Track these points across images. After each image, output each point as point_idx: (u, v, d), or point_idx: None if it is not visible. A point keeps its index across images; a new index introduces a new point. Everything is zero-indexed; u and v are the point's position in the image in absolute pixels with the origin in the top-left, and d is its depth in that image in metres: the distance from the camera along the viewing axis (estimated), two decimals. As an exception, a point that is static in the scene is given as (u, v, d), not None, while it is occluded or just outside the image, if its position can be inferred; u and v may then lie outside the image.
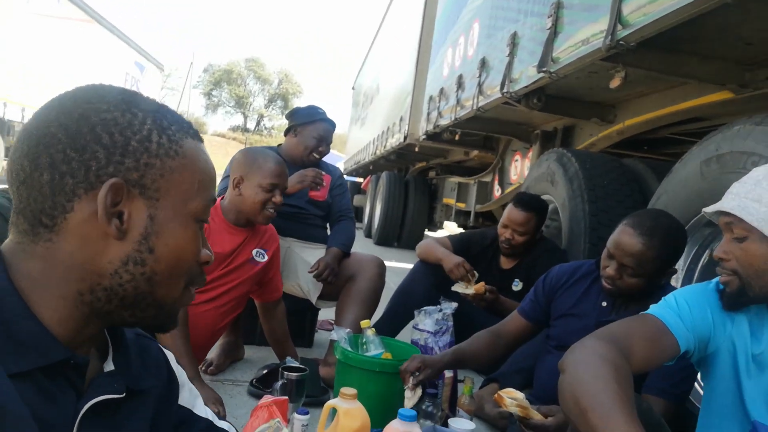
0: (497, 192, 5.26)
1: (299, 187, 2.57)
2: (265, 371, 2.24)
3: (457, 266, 2.50)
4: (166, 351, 0.78)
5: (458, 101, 4.36)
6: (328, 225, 2.89)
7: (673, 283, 1.95)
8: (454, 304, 2.08)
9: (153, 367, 0.74)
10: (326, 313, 3.21)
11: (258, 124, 53.51)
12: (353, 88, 15.43)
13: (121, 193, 0.61)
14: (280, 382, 1.89)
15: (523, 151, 4.63)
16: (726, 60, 2.26)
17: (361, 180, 12.91)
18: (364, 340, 2.02)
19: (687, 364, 1.21)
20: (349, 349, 1.97)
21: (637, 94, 2.99)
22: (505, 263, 2.66)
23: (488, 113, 3.98)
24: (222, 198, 2.22)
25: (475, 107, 3.87)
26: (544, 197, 3.16)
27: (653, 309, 1.17)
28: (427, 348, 2.01)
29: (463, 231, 2.97)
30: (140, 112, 0.63)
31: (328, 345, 2.47)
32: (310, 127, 2.77)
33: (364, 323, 2.07)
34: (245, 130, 51.35)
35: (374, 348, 1.98)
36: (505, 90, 3.26)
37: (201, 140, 0.69)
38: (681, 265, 2.02)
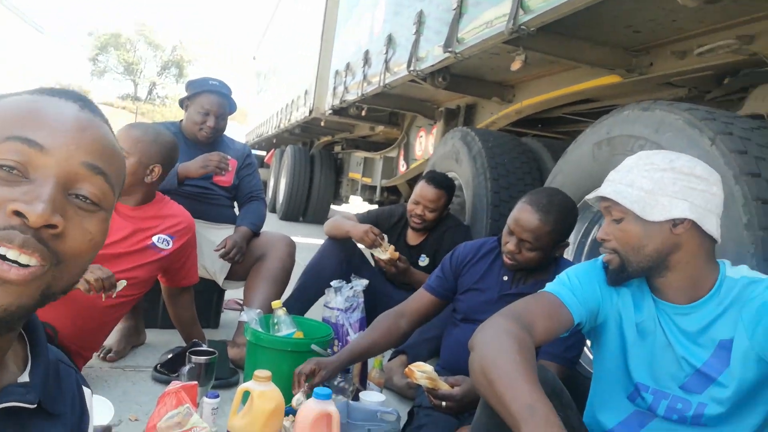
0: (402, 167, 5.35)
1: (203, 172, 2.45)
2: (170, 356, 2.16)
3: (365, 233, 2.53)
4: (84, 388, 0.74)
5: (365, 77, 4.36)
6: (236, 204, 2.81)
7: (566, 256, 2.10)
8: (365, 281, 2.11)
9: (68, 396, 0.69)
10: (232, 293, 3.14)
11: (150, 92, 50.40)
12: (255, 58, 14.93)
13: None
14: (187, 367, 1.83)
15: (427, 127, 4.73)
16: (616, 46, 2.42)
17: (264, 153, 12.59)
18: (275, 320, 2.00)
19: (576, 332, 1.32)
20: (260, 330, 1.94)
21: (535, 75, 3.13)
22: (412, 239, 2.72)
23: (394, 90, 4.01)
24: None
25: (382, 83, 3.88)
26: (450, 174, 3.26)
27: (549, 287, 1.26)
28: (338, 325, 2.03)
29: (370, 209, 3.00)
30: None
31: (237, 326, 2.43)
32: (197, 100, 2.63)
33: (275, 304, 2.05)
34: (136, 98, 48.23)
35: (286, 328, 1.97)
36: (411, 68, 3.30)
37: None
38: (573, 239, 2.17)
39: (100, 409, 1.51)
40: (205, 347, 1.99)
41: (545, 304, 1.20)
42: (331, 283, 2.11)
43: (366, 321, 2.09)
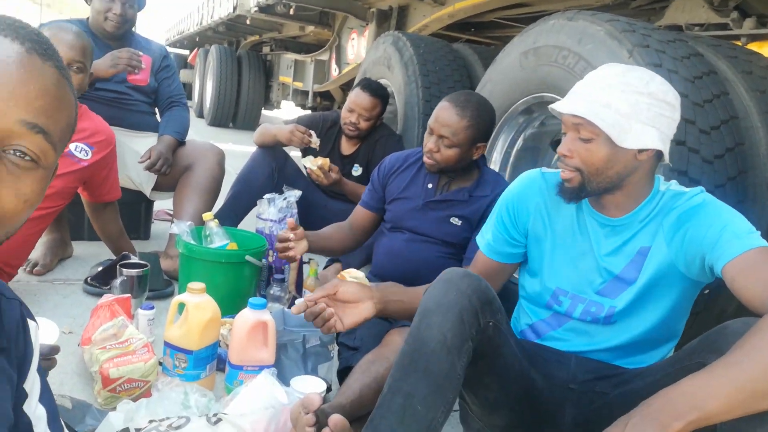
0: (335, 72, 5.21)
1: (113, 72, 2.26)
2: (100, 268, 2.14)
3: (291, 132, 2.50)
4: (29, 321, 0.72)
5: (293, -29, 4.11)
6: (157, 111, 2.68)
7: (492, 166, 2.18)
8: (298, 192, 2.12)
9: (11, 330, 0.67)
10: (161, 203, 3.08)
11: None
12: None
13: None
14: (119, 280, 1.84)
15: (359, 29, 4.58)
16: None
17: (187, 53, 11.85)
18: (207, 232, 2.00)
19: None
20: (192, 242, 1.95)
21: (469, -23, 3.06)
22: (346, 149, 2.72)
23: (322, -14, 3.83)
24: None
25: (310, -20, 3.69)
26: (382, 81, 3.22)
27: (479, 242, 1.38)
28: (272, 237, 2.05)
29: (301, 114, 2.95)
30: None
31: (169, 238, 2.41)
32: None
33: (206, 216, 2.04)
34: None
35: (219, 239, 1.98)
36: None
37: None
38: (499, 149, 2.24)
39: (44, 329, 1.50)
40: (136, 260, 1.99)
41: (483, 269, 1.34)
42: (264, 196, 2.11)
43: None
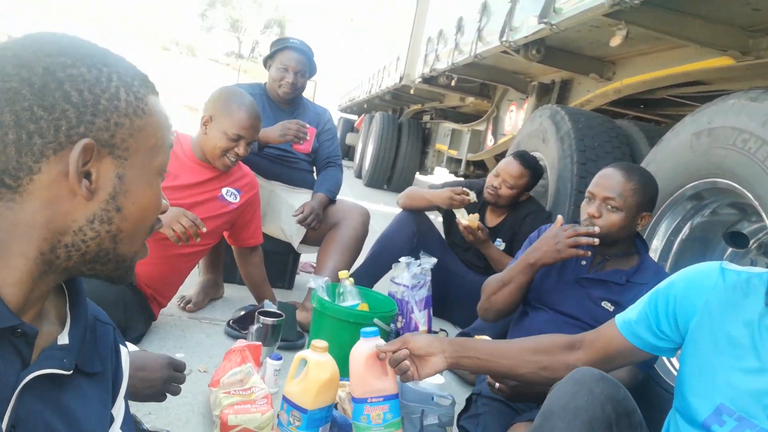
0: (490, 142, 5.21)
1: (281, 141, 2.50)
2: (242, 312, 2.26)
3: (451, 198, 2.45)
4: (121, 347, 0.77)
5: (457, 45, 4.23)
6: (315, 169, 2.85)
7: (651, 254, 1.96)
8: (434, 260, 2.08)
9: (105, 354, 0.72)
10: (308, 256, 3.22)
11: (253, 50, 51.99)
12: (352, 20, 14.94)
13: (91, 152, 0.59)
14: (255, 327, 1.91)
15: (519, 101, 4.55)
16: (730, 25, 2.18)
17: (355, 118, 12.70)
18: (341, 290, 2.03)
19: None
20: (326, 298, 1.98)
21: (638, 52, 2.91)
22: (490, 220, 2.65)
23: (486, 60, 3.87)
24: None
25: (473, 53, 3.75)
26: (534, 155, 3.12)
27: (618, 317, 1.19)
28: (403, 301, 2.03)
29: (447, 180, 2.93)
30: (105, 67, 0.60)
31: (307, 290, 2.48)
32: (277, 57, 2.66)
33: (342, 274, 2.08)
34: (239, 56, 49.96)
35: (351, 298, 2.00)
36: (504, 38, 3.16)
37: (158, 93, 0.68)
38: (660, 235, 2.02)
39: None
40: (275, 309, 2.07)
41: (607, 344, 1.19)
42: (400, 259, 2.10)
43: (432, 300, 2.07)
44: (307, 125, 2.54)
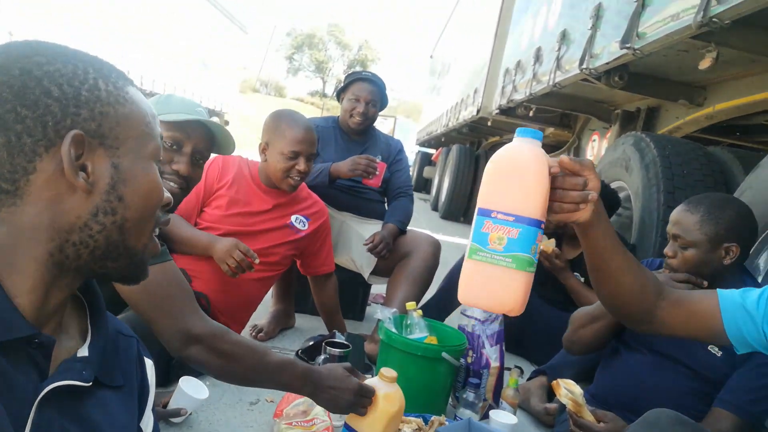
0: (570, 173, 5.03)
1: (351, 175, 2.52)
2: (311, 343, 2.25)
3: None
4: (146, 359, 0.76)
5: (534, 75, 4.16)
6: (386, 200, 2.85)
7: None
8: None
9: (128, 368, 0.71)
10: (379, 288, 3.20)
11: (335, 91, 53.99)
12: (431, 57, 15.15)
13: (82, 145, 0.59)
14: (322, 357, 1.89)
15: (601, 131, 4.39)
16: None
17: (432, 151, 12.75)
18: (409, 321, 1.98)
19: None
20: (394, 330, 1.93)
21: (731, 76, 2.72)
22: (568, 253, 2.51)
23: (566, 89, 3.77)
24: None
25: (551, 82, 3.67)
26: (617, 184, 2.97)
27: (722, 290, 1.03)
28: (473, 336, 1.94)
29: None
30: (79, 63, 0.61)
31: (376, 322, 2.45)
32: (349, 88, 2.71)
33: (410, 305, 2.02)
34: (323, 95, 51.87)
35: (419, 331, 1.94)
36: (584, 66, 3.06)
37: (136, 87, 0.68)
38: (762, 267, 1.84)
39: (196, 388, 1.61)
40: (342, 339, 2.04)
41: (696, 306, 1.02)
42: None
43: (504, 335, 1.97)
44: (378, 159, 2.54)
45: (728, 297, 1.00)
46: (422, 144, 13.47)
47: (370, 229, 2.64)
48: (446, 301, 2.49)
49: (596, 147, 4.48)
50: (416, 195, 2.90)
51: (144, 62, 9.64)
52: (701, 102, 3.08)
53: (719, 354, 1.48)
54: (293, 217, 2.16)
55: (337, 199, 2.62)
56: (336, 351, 1.88)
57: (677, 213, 1.59)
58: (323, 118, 2.80)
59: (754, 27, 1.99)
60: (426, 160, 12.56)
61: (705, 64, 2.23)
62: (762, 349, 0.97)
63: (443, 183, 8.87)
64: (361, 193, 2.72)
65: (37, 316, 0.59)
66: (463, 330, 2.01)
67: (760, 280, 1.82)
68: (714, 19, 1.86)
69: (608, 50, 2.83)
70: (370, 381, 1.43)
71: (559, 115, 5.05)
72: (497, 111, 5.43)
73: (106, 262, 0.63)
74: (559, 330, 1.88)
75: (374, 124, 2.84)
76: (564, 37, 3.59)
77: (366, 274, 2.66)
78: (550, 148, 6.26)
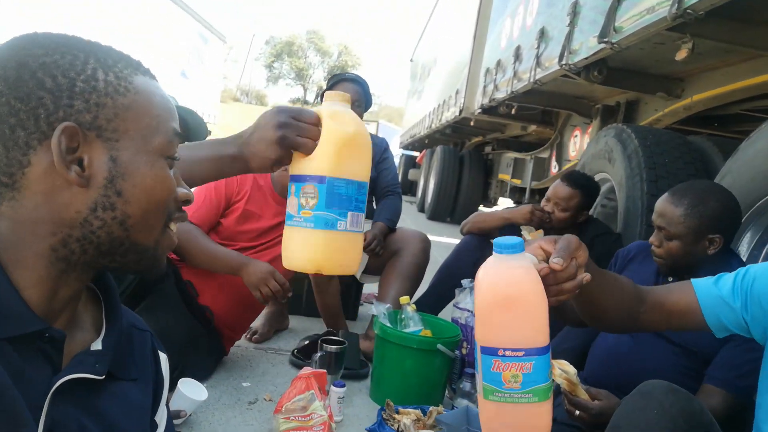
0: (554, 169, 5.10)
1: None
2: (306, 342, 2.26)
3: (531, 212, 2.43)
4: (160, 353, 0.76)
5: (515, 74, 4.21)
6: (374, 198, 2.87)
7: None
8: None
9: (142, 362, 0.71)
10: (371, 287, 3.22)
11: (317, 96, 53.95)
12: (412, 60, 15.23)
13: (76, 137, 0.57)
14: (318, 354, 1.91)
15: (583, 126, 4.45)
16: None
17: (416, 154, 12.82)
18: (403, 316, 2.00)
19: (756, 355, 1.12)
20: (388, 324, 1.95)
21: (707, 67, 2.79)
22: (556, 243, 2.56)
23: (546, 86, 3.82)
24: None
25: (532, 80, 3.72)
26: (601, 175, 3.02)
27: (696, 280, 1.07)
28: (467, 327, 1.97)
29: (507, 207, 2.88)
30: (81, 53, 0.59)
31: (370, 319, 2.47)
32: (332, 89, 2.72)
33: (403, 299, 2.05)
34: (305, 102, 51.82)
35: (413, 324, 1.96)
36: (563, 62, 3.12)
37: (154, 77, 0.66)
38: (744, 247, 1.89)
39: (194, 390, 1.62)
40: (338, 337, 2.06)
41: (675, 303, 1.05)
42: (462, 282, 2.06)
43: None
44: None
45: (705, 290, 1.04)
46: (406, 147, 13.51)
47: (359, 228, 2.66)
48: (439, 295, 2.53)
49: (578, 142, 4.55)
50: (403, 197, 2.92)
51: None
52: (679, 94, 3.14)
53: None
54: None
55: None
56: (332, 348, 1.90)
57: (662, 204, 1.62)
58: None
59: (727, 18, 2.05)
60: (410, 163, 12.62)
61: (681, 55, 2.28)
62: (741, 332, 1.01)
63: (429, 184, 8.92)
64: (349, 193, 2.74)
65: (46, 310, 0.59)
66: (457, 322, 2.04)
67: (743, 259, 1.87)
68: (688, 11, 1.91)
69: (586, 45, 2.88)
70: (316, 109, 1.00)
71: (541, 112, 5.11)
72: (479, 110, 5.49)
73: (115, 257, 0.62)
74: (552, 318, 1.92)
75: None
76: (543, 34, 3.64)
77: (358, 274, 2.68)
78: (532, 145, 6.35)
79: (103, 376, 0.62)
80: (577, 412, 1.41)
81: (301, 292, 2.80)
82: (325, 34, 55.69)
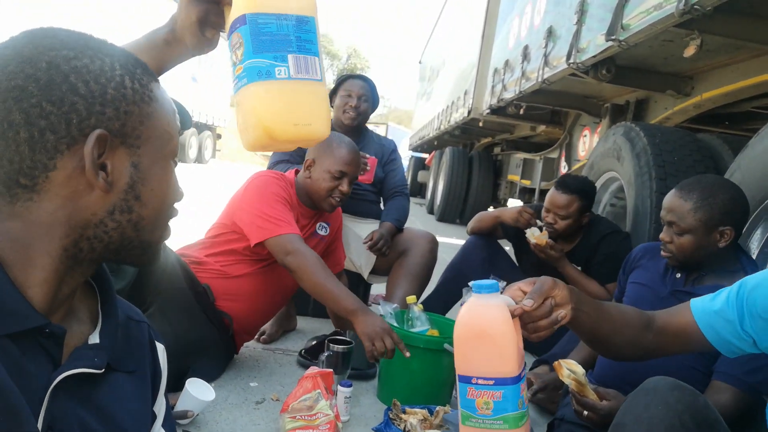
0: (564, 169, 5.07)
1: None
2: (314, 342, 2.26)
3: (519, 213, 2.45)
4: (158, 344, 0.76)
5: (523, 73, 4.20)
6: (381, 199, 2.87)
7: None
8: (504, 283, 2.01)
9: (140, 353, 0.72)
10: (379, 288, 3.22)
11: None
12: (420, 62, 15.24)
13: (104, 144, 0.58)
14: (325, 354, 1.90)
15: (592, 126, 4.43)
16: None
17: (425, 156, 12.81)
18: (410, 315, 2.00)
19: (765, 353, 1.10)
20: (395, 324, 1.95)
21: (717, 64, 2.77)
22: (564, 245, 2.54)
23: (555, 86, 3.81)
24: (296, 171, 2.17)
25: (540, 79, 3.71)
26: (610, 174, 3.00)
27: (694, 301, 1.07)
28: (474, 326, 1.96)
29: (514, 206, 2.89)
30: (107, 57, 0.60)
31: (378, 319, 2.47)
32: (341, 87, 2.75)
33: (410, 299, 2.05)
34: (314, 105, 51.87)
35: (420, 324, 1.96)
36: (571, 60, 3.11)
37: (158, 81, 0.68)
38: (756, 243, 1.87)
39: (202, 390, 1.62)
40: (345, 337, 2.06)
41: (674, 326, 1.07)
42: (469, 283, 2.04)
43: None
44: (367, 156, 2.57)
45: (700, 306, 1.05)
46: (415, 149, 13.52)
47: (366, 229, 2.67)
48: (447, 295, 2.52)
49: (587, 142, 4.52)
50: (411, 200, 2.93)
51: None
52: (689, 91, 3.12)
53: None
54: (317, 225, 2.19)
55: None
56: (339, 348, 1.90)
57: (670, 199, 1.61)
58: (340, 134, 2.84)
59: (735, 13, 2.03)
60: (420, 165, 12.62)
61: (689, 51, 2.27)
62: (746, 347, 1.00)
63: (438, 186, 8.91)
64: (357, 194, 2.74)
65: (48, 306, 0.59)
66: (464, 322, 2.03)
67: (753, 256, 1.85)
68: (696, 6, 1.90)
69: (594, 43, 2.87)
70: None
71: (550, 112, 5.10)
72: (488, 111, 5.48)
73: (120, 253, 0.64)
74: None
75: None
76: (550, 33, 3.63)
77: (365, 274, 2.68)
78: (542, 146, 6.32)
79: (102, 370, 0.63)
80: (586, 413, 1.40)
81: (308, 294, 2.79)
82: (333, 37, 55.87)
